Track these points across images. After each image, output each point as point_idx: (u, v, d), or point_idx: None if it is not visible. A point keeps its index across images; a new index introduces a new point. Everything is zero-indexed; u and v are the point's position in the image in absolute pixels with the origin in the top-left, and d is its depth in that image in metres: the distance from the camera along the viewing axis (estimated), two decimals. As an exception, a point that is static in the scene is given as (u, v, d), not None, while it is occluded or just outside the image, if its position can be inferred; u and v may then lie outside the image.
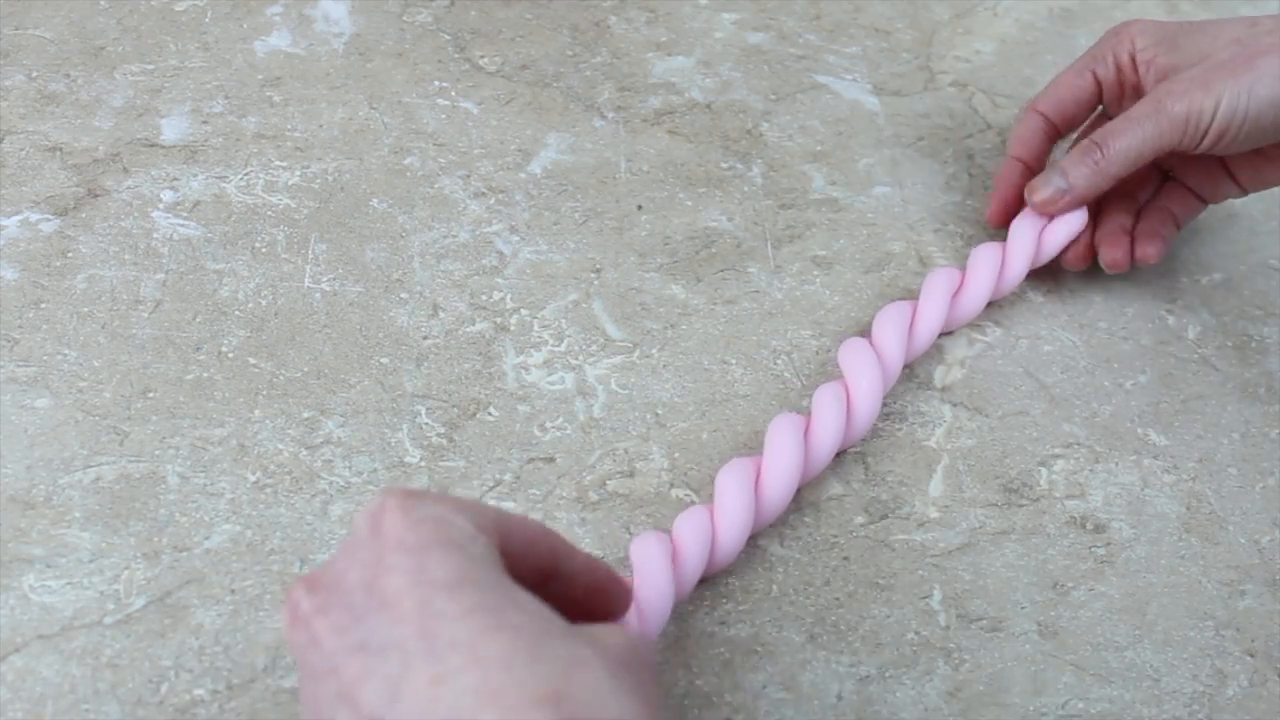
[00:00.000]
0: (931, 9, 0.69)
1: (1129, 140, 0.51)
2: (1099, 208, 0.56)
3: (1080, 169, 0.52)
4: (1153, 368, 0.54)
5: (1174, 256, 0.58)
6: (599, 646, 0.31)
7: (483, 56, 0.63)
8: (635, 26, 0.65)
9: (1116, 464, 0.51)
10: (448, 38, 0.63)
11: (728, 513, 0.44)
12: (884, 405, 0.51)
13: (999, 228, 0.56)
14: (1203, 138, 0.50)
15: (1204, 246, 0.59)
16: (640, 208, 0.57)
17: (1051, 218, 0.54)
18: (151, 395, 0.48)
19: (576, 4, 0.66)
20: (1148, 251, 0.55)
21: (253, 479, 0.46)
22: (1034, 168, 0.56)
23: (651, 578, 0.41)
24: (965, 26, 0.69)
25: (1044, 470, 0.50)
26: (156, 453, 0.47)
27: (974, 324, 0.55)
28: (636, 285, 0.54)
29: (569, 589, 0.35)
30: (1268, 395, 0.54)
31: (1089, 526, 0.49)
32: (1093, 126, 0.57)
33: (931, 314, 0.52)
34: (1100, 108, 0.56)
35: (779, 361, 0.53)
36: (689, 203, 0.58)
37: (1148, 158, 0.51)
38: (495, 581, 0.31)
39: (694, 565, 0.43)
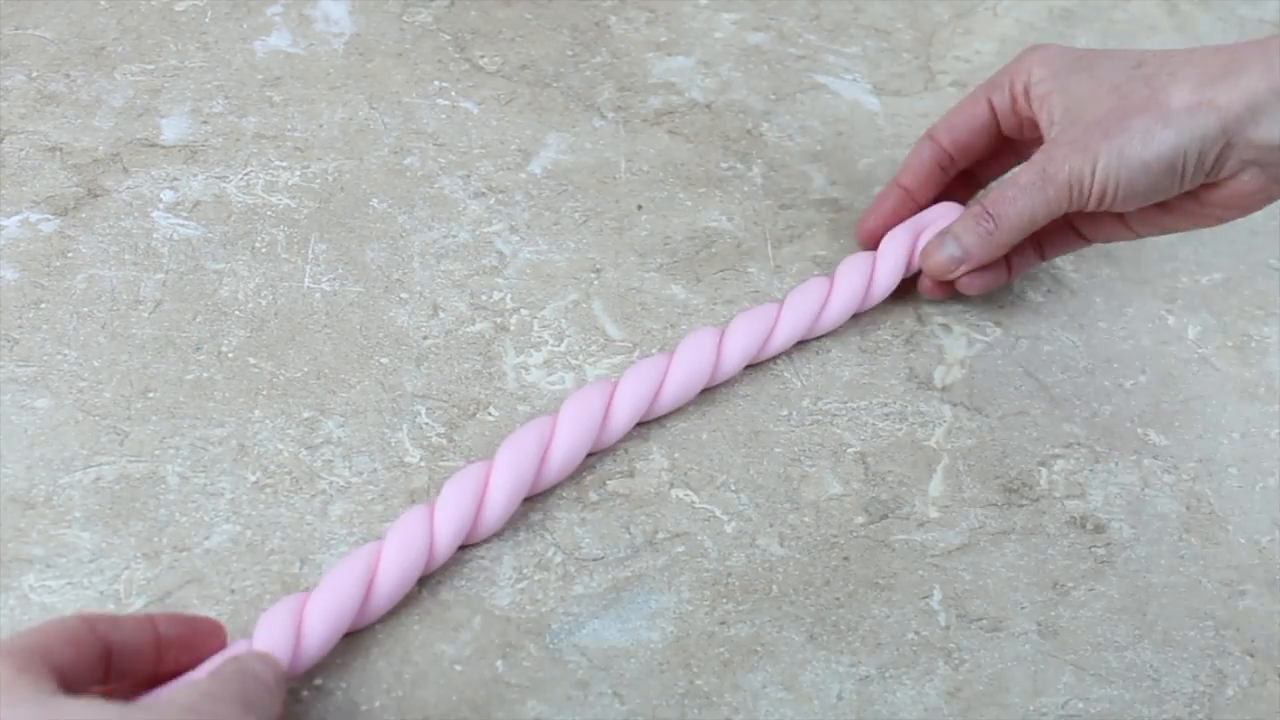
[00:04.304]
0: (931, 9, 0.69)
1: (1019, 208, 0.50)
2: None
3: (972, 237, 0.51)
4: (1153, 368, 0.54)
5: (1174, 256, 0.59)
6: (152, 717, 0.33)
7: (483, 56, 0.63)
8: (635, 26, 0.65)
9: (1116, 464, 0.51)
10: (448, 38, 0.63)
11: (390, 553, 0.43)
12: (884, 405, 0.51)
13: (866, 248, 0.55)
14: (1088, 199, 0.48)
15: (1204, 246, 0.59)
16: (640, 208, 0.57)
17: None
18: (151, 395, 0.48)
19: (576, 4, 0.66)
20: (972, 281, 0.53)
21: (253, 479, 0.46)
22: (916, 197, 0.55)
23: (267, 623, 0.41)
24: (965, 26, 0.69)
25: (1044, 470, 0.50)
26: (156, 453, 0.46)
27: (974, 324, 0.55)
28: (636, 285, 0.54)
29: (138, 658, 0.37)
30: (1268, 395, 0.54)
31: (1089, 526, 0.49)
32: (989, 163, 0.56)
33: (788, 323, 0.52)
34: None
35: (779, 361, 0.53)
36: (689, 203, 0.58)
37: (1040, 223, 0.50)
38: (30, 700, 0.32)
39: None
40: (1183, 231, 0.52)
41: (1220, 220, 0.50)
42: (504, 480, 0.45)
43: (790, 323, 0.52)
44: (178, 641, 0.38)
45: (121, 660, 0.36)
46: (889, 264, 0.53)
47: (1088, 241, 0.54)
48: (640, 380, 0.48)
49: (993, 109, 0.53)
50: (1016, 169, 0.51)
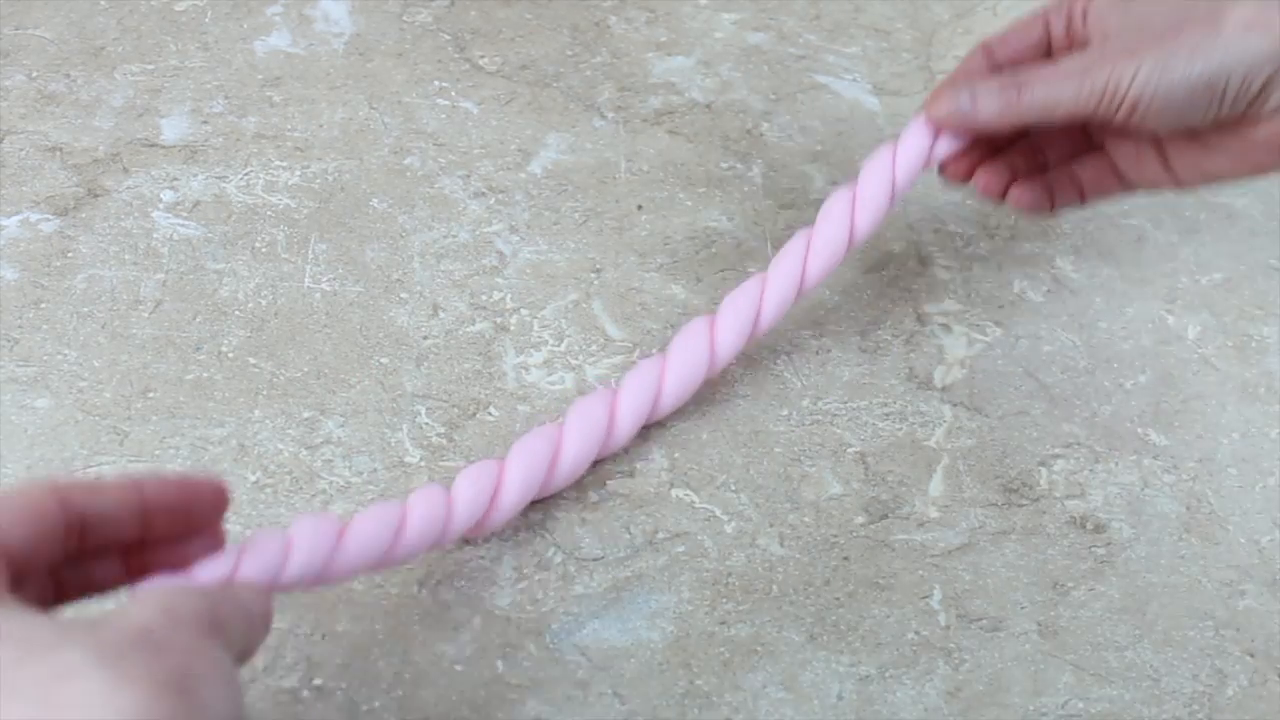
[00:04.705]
0: (931, 9, 0.69)
1: (1049, 90, 0.47)
2: (1002, 145, 0.52)
3: (990, 99, 0.48)
4: (1153, 368, 0.54)
5: (1174, 256, 0.59)
6: (93, 641, 0.28)
7: (483, 56, 0.63)
8: (635, 26, 0.65)
9: (1116, 464, 0.51)
10: (448, 38, 0.63)
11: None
12: (884, 405, 0.51)
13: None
14: (1118, 109, 0.46)
15: (1204, 246, 0.59)
16: (640, 208, 0.57)
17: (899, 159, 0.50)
18: (151, 395, 0.48)
19: (576, 4, 0.66)
20: (1022, 195, 0.51)
21: (253, 479, 0.46)
22: None
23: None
24: (965, 26, 0.69)
25: (1044, 470, 0.50)
26: (156, 453, 0.46)
27: (974, 324, 0.55)
28: (636, 285, 0.54)
29: (118, 529, 0.33)
30: (1268, 395, 0.54)
31: (1089, 526, 0.49)
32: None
33: (776, 287, 0.50)
34: None
35: (779, 362, 0.53)
36: (689, 203, 0.58)
37: (1062, 116, 0.47)
38: None
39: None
40: (1225, 181, 0.50)
41: (1262, 170, 0.48)
42: (515, 479, 0.45)
43: (778, 286, 0.49)
44: (170, 507, 0.34)
45: (101, 532, 0.33)
46: (869, 196, 0.50)
47: (1128, 187, 0.51)
48: (640, 383, 0.48)
49: (1048, 31, 0.51)
50: (1078, 49, 0.48)
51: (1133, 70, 0.45)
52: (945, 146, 0.50)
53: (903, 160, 0.50)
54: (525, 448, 0.45)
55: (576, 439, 0.46)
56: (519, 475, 0.45)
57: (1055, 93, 0.47)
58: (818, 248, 0.50)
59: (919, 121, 0.50)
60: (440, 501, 0.42)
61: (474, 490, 0.43)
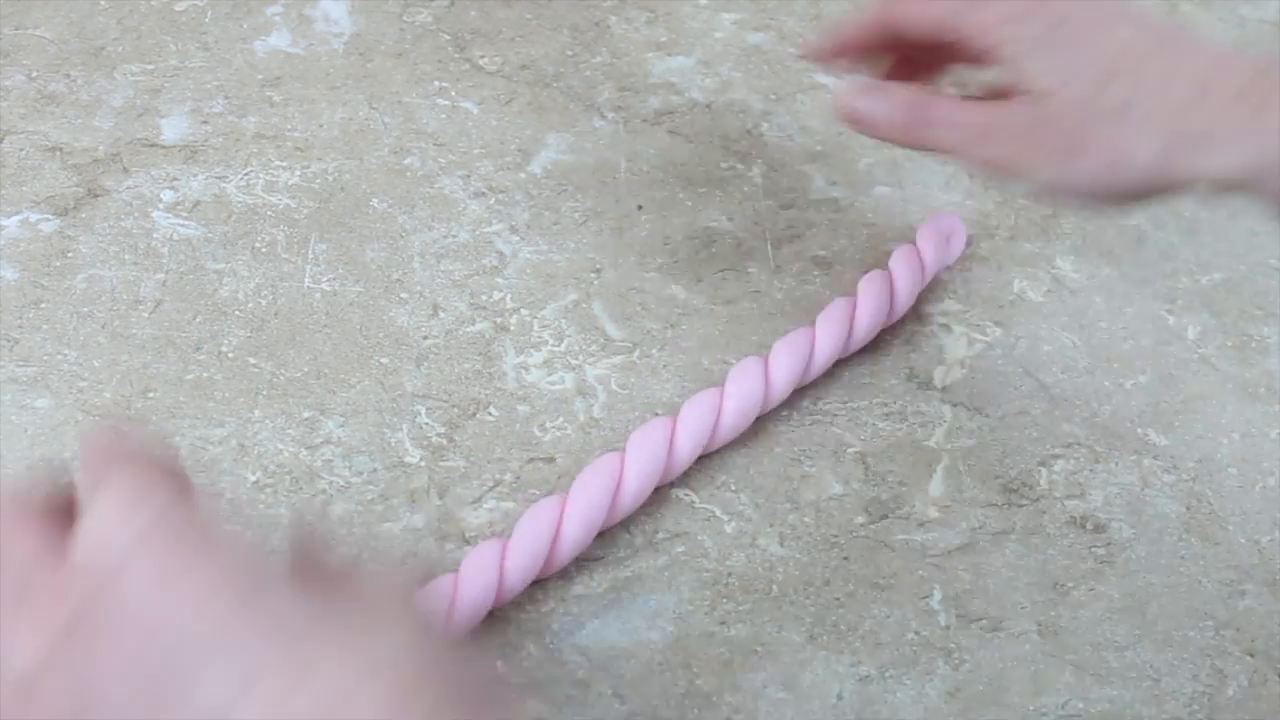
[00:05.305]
0: (931, 9, 0.69)
1: (954, 138, 0.44)
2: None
3: (897, 115, 0.45)
4: (1153, 368, 0.54)
5: (1174, 256, 0.58)
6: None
7: (483, 56, 0.63)
8: (635, 26, 0.65)
9: (1116, 464, 0.51)
10: (448, 38, 0.63)
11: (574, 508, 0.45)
12: (884, 405, 0.51)
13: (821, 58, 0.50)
14: (1015, 183, 0.45)
15: (1204, 246, 0.59)
16: (640, 208, 0.57)
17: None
18: (151, 395, 0.48)
19: (576, 4, 0.66)
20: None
21: (253, 479, 0.46)
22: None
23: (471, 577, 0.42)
24: (965, 26, 0.69)
25: (1044, 470, 0.50)
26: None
27: (974, 324, 0.55)
28: (636, 285, 0.54)
29: None
30: (1268, 395, 0.54)
31: (1089, 526, 0.49)
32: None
33: (824, 342, 0.51)
34: None
35: (779, 361, 0.53)
36: (689, 203, 0.58)
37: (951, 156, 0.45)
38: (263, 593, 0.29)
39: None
40: None
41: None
42: (577, 513, 0.45)
43: (826, 341, 0.51)
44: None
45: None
46: (904, 282, 0.53)
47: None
48: (698, 412, 0.48)
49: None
50: (997, 106, 0.44)
51: (1044, 172, 0.42)
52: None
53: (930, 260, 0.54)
54: (587, 483, 0.46)
55: (636, 471, 0.46)
56: (580, 510, 0.45)
57: (958, 143, 0.44)
58: (859, 317, 0.52)
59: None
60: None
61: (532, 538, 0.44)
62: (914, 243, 0.55)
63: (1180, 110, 0.41)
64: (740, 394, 0.49)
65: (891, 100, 0.45)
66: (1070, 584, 0.47)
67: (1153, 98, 0.42)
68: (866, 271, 0.55)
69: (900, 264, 0.54)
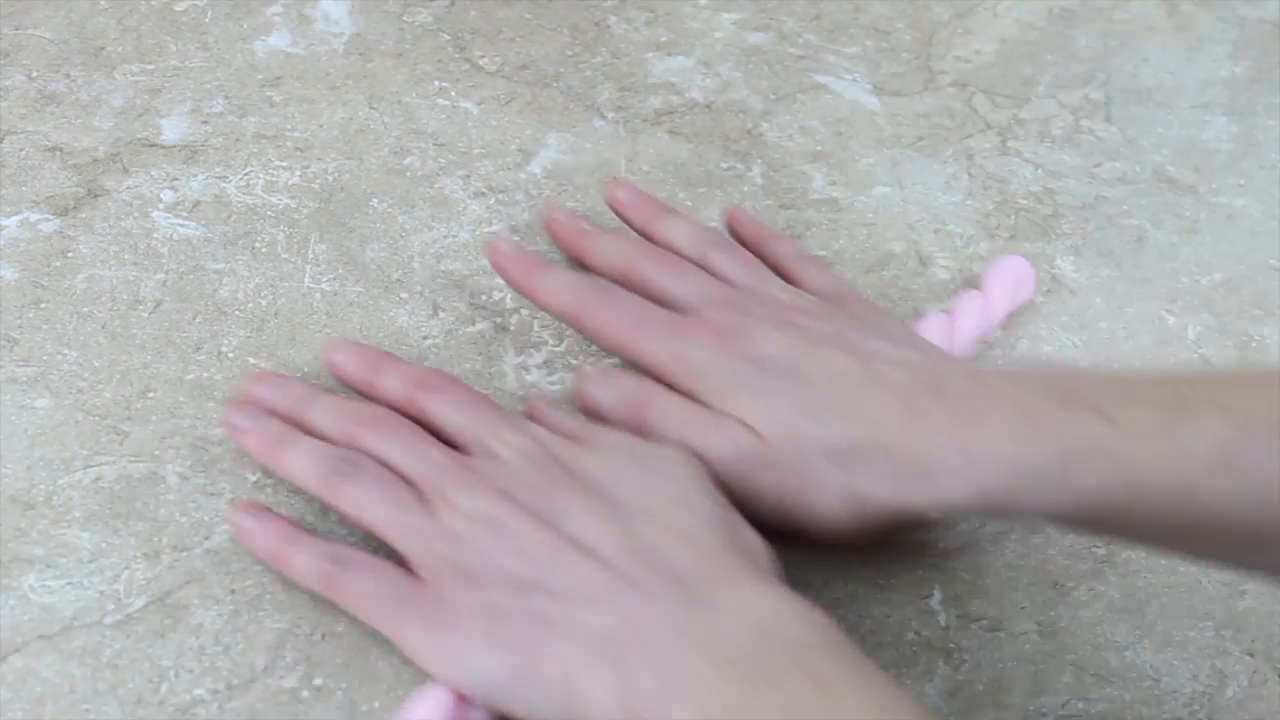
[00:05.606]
0: (931, 9, 0.69)
1: (655, 415, 0.45)
2: None
3: (604, 393, 0.46)
4: (1153, 368, 0.54)
5: (1174, 257, 0.59)
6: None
7: (483, 56, 0.63)
8: (635, 26, 0.65)
9: (1116, 464, 0.51)
10: (448, 38, 0.63)
11: None
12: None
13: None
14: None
15: (1204, 246, 0.59)
16: (640, 208, 0.57)
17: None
18: (151, 395, 0.48)
19: (576, 4, 0.66)
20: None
21: (253, 479, 0.46)
22: None
23: None
24: (965, 26, 0.69)
25: (1044, 470, 0.50)
26: (156, 453, 0.47)
27: (974, 324, 0.55)
28: (636, 285, 0.54)
29: None
30: (1268, 395, 0.54)
31: (1089, 526, 0.49)
32: None
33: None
34: None
35: (779, 361, 0.52)
36: (689, 203, 0.58)
37: None
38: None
39: None
40: None
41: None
42: None
43: None
44: None
45: None
46: (967, 329, 0.52)
47: None
48: None
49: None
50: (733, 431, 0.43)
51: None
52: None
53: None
54: None
55: None
56: None
57: (656, 421, 0.45)
58: None
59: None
60: None
61: None
62: (981, 289, 0.53)
63: (897, 448, 0.41)
64: None
65: (620, 388, 0.46)
66: (1070, 584, 0.47)
67: (870, 435, 0.42)
68: (868, 271, 0.55)
69: (968, 311, 0.52)
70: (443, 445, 0.43)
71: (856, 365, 0.43)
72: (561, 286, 0.49)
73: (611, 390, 0.46)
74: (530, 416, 0.46)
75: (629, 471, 0.41)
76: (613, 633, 0.36)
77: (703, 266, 0.49)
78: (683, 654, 0.35)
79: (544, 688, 0.37)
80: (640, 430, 0.44)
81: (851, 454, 0.42)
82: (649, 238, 0.52)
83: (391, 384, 0.46)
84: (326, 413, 0.45)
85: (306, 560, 0.42)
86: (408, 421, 0.44)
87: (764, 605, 0.37)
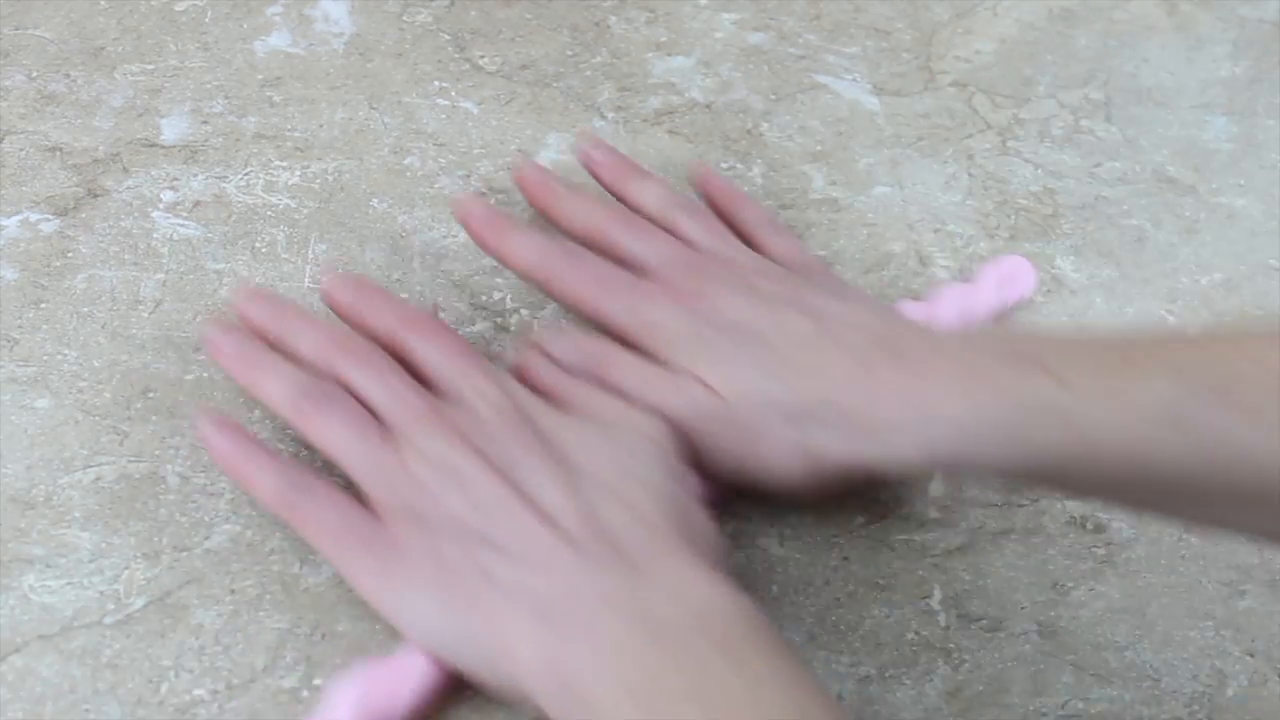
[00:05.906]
0: (931, 9, 0.69)
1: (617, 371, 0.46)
2: None
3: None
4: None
5: (1174, 256, 0.59)
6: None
7: (483, 56, 0.63)
8: (635, 26, 0.65)
9: (1116, 464, 0.51)
10: (448, 38, 0.63)
11: None
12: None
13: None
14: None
15: (1204, 246, 0.59)
16: (640, 208, 0.57)
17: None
18: (151, 395, 0.48)
19: (576, 4, 0.66)
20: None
21: (253, 479, 0.46)
22: None
23: None
24: (965, 26, 0.69)
25: (1044, 470, 0.50)
26: (156, 453, 0.47)
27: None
28: (636, 285, 0.54)
29: None
30: (1268, 395, 0.54)
31: (1089, 526, 0.49)
32: None
33: None
34: None
35: (779, 361, 0.52)
36: (689, 203, 0.58)
37: None
38: None
39: None
40: None
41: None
42: None
43: None
44: None
45: None
46: (943, 320, 0.52)
47: None
48: None
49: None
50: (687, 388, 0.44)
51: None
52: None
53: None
54: None
55: None
56: None
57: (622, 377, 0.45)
58: None
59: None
60: None
61: None
62: (974, 281, 0.54)
63: (851, 406, 0.42)
64: None
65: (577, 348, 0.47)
66: (1070, 584, 0.47)
67: (824, 393, 0.42)
68: (868, 271, 0.55)
69: (949, 303, 0.52)
70: (419, 386, 0.43)
71: (812, 326, 0.44)
72: (529, 249, 0.49)
73: (571, 350, 0.46)
74: (516, 374, 0.46)
75: (596, 442, 0.41)
76: (550, 596, 0.37)
77: (669, 230, 0.50)
78: (613, 625, 0.36)
79: (476, 640, 0.38)
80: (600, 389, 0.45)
81: (806, 412, 0.42)
82: (619, 198, 0.52)
83: (379, 319, 0.46)
84: (308, 337, 0.45)
85: (268, 481, 0.42)
86: (388, 357, 0.44)
87: (698, 590, 0.38)
